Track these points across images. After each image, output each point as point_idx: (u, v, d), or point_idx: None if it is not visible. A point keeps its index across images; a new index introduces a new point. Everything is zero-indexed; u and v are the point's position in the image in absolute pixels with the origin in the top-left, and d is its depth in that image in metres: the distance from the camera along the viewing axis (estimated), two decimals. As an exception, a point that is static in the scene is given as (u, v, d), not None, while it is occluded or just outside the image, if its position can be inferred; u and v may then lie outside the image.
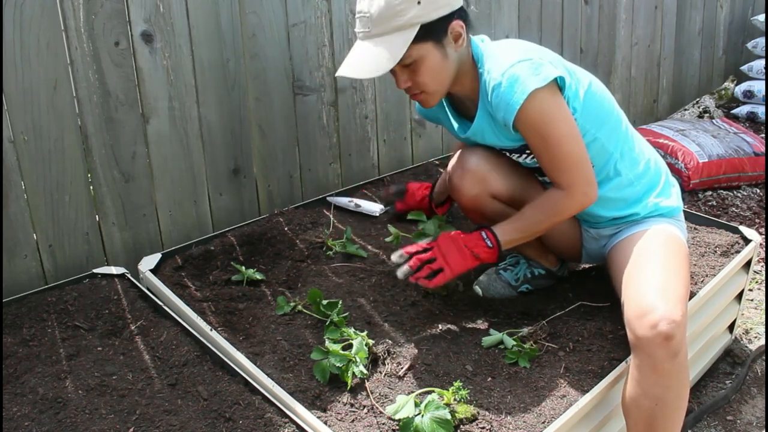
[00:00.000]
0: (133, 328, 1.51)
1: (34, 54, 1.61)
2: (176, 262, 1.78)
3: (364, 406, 1.28)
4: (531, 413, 1.26)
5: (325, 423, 1.22)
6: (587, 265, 1.85)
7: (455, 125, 1.65)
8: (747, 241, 1.89)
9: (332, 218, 2.05)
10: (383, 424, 1.23)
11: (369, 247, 1.90)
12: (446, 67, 1.44)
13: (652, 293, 1.31)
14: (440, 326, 1.54)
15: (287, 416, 1.23)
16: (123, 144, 1.83)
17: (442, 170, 2.40)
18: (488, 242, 1.46)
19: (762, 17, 3.91)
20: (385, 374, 1.37)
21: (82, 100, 1.73)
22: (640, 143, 1.61)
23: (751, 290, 2.33)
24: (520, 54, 1.41)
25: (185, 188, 1.99)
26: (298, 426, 1.21)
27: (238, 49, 2.01)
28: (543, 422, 1.24)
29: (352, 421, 1.24)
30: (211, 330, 1.49)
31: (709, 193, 3.07)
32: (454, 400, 1.26)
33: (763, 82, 3.81)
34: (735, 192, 3.09)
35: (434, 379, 1.35)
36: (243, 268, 1.72)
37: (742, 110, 3.92)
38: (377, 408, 1.27)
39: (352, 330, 1.44)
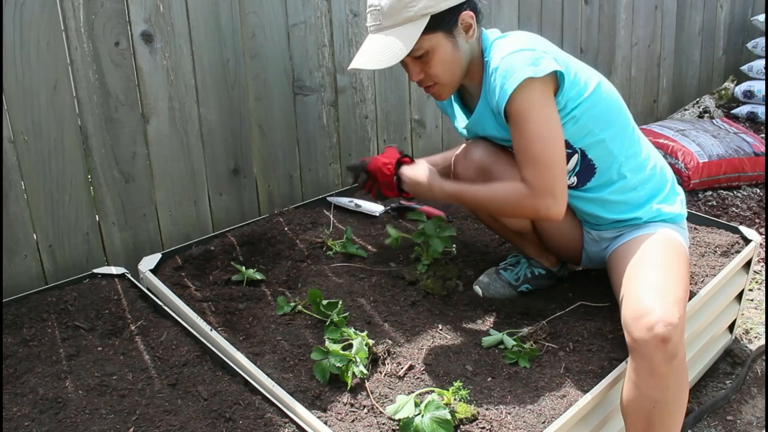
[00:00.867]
0: (133, 328, 1.51)
1: (34, 54, 1.61)
2: (176, 262, 1.78)
3: (364, 406, 1.28)
4: (531, 413, 1.26)
5: (325, 423, 1.22)
6: (587, 266, 1.85)
7: (459, 116, 1.64)
8: (747, 241, 1.89)
9: (332, 218, 2.05)
10: (383, 424, 1.23)
11: (369, 247, 1.90)
12: (457, 57, 1.45)
13: (649, 295, 1.30)
14: (440, 326, 1.54)
15: (287, 416, 1.23)
16: (123, 144, 1.83)
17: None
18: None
19: (762, 17, 3.91)
20: (385, 374, 1.37)
21: (82, 100, 1.73)
22: (648, 149, 1.60)
23: (751, 290, 2.33)
24: (525, 44, 1.40)
25: (185, 188, 1.99)
26: (298, 426, 1.21)
27: (238, 49, 2.01)
28: (543, 422, 1.24)
29: (352, 421, 1.24)
30: (211, 330, 1.49)
31: (709, 193, 3.07)
32: (454, 400, 1.26)
33: (763, 82, 3.81)
34: (735, 192, 3.09)
35: (434, 379, 1.35)
36: (243, 268, 1.72)
37: (742, 110, 3.92)
38: (377, 408, 1.27)
39: (352, 330, 1.44)
